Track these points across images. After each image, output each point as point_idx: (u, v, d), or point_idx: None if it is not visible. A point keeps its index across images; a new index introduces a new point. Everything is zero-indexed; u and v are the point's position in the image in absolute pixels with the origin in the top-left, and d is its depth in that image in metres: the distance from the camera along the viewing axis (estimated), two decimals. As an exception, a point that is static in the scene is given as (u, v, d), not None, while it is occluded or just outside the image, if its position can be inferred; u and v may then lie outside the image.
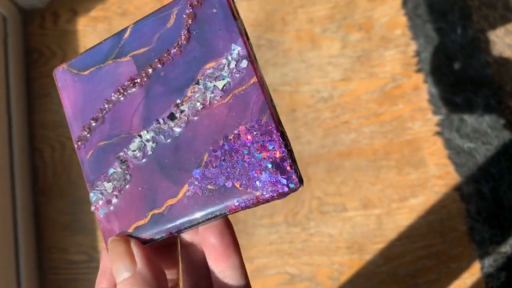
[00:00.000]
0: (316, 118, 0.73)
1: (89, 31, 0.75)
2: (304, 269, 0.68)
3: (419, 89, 0.73)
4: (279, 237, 0.69)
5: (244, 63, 0.22)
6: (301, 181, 0.21)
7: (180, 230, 0.22)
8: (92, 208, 0.24)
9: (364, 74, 0.75)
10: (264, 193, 0.21)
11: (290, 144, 0.21)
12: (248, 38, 0.23)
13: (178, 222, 0.22)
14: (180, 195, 0.22)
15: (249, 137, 0.21)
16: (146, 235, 0.22)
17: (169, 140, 0.23)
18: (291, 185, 0.21)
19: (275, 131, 0.21)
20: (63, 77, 0.25)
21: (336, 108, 0.73)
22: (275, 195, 0.21)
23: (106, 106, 0.24)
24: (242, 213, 0.70)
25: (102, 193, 0.23)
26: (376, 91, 0.74)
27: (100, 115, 0.24)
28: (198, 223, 0.22)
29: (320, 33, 0.77)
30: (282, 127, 0.21)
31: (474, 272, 0.66)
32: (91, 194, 0.24)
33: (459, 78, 0.73)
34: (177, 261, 0.26)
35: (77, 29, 0.76)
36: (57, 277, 0.69)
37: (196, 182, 0.22)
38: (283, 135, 0.21)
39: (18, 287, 0.65)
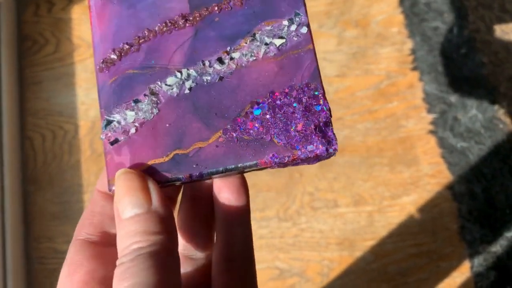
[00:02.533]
0: (310, 113, 0.73)
1: (84, 19, 0.74)
2: (294, 264, 0.67)
3: (414, 87, 0.73)
4: (270, 231, 0.68)
5: (304, 29, 0.22)
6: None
7: (202, 175, 0.21)
8: (102, 136, 0.21)
9: (360, 71, 0.74)
10: (302, 151, 0.21)
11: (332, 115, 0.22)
12: (305, 4, 0.23)
13: (203, 165, 0.21)
14: (212, 139, 0.21)
15: (296, 97, 0.21)
16: (162, 174, 0.21)
17: (211, 84, 0.21)
18: (330, 150, 0.21)
19: (322, 97, 0.21)
20: None
21: (330, 104, 0.73)
22: (312, 156, 0.21)
23: (146, 34, 0.22)
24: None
25: (119, 122, 0.21)
26: (371, 88, 0.73)
27: (136, 42, 0.22)
28: (225, 171, 0.21)
29: (317, 28, 0.76)
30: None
31: (464, 271, 0.66)
32: (104, 121, 0.21)
33: (454, 78, 0.73)
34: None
35: (72, 17, 0.75)
36: (44, 266, 0.68)
37: (232, 130, 0.21)
38: (328, 104, 0.21)
39: (4, 276, 0.65)
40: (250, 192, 0.72)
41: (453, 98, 0.72)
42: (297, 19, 0.22)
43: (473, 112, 0.71)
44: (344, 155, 0.71)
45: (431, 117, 0.72)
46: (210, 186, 0.23)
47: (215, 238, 0.23)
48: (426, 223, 0.68)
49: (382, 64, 0.74)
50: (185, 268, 0.24)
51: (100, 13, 0.22)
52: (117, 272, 0.18)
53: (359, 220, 0.68)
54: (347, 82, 0.74)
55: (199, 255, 0.24)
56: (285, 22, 0.22)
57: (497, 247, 0.66)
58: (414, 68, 0.74)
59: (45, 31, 0.75)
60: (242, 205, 0.22)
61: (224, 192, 0.22)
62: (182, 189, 0.24)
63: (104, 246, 0.21)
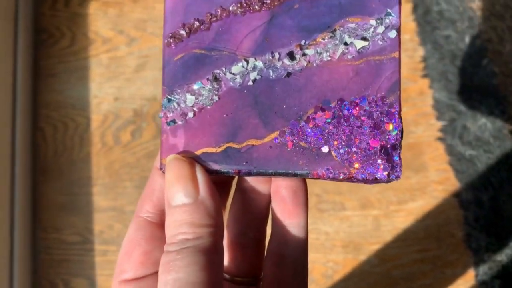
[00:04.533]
0: (319, 116, 0.73)
1: (100, 15, 0.75)
2: (298, 264, 0.67)
3: (424, 94, 0.74)
4: (276, 231, 0.69)
5: (393, 33, 0.20)
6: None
7: (250, 173, 0.20)
8: (161, 114, 0.21)
9: (370, 76, 0.75)
10: (361, 173, 0.19)
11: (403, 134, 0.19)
12: (400, 3, 0.20)
13: (253, 164, 0.20)
14: (267, 139, 0.20)
15: (367, 110, 0.19)
16: (212, 164, 0.20)
17: (276, 79, 0.20)
18: (392, 177, 0.19)
19: (397, 115, 0.19)
20: None
21: (340, 108, 0.74)
22: (370, 178, 0.19)
23: (219, 13, 0.21)
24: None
25: (178, 103, 0.21)
26: (381, 93, 0.74)
27: (208, 20, 0.21)
28: (273, 174, 0.20)
29: (329, 32, 0.77)
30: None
31: (468, 279, 0.65)
32: (165, 100, 0.21)
33: (465, 86, 0.73)
34: (226, 203, 0.25)
35: (88, 12, 0.76)
36: (50, 257, 0.68)
37: (289, 133, 0.20)
38: (402, 124, 0.19)
39: (10, 265, 0.65)
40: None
41: (463, 106, 0.73)
42: (387, 20, 0.20)
43: (483, 121, 0.71)
44: (352, 158, 0.71)
45: (440, 124, 0.72)
46: (266, 180, 0.23)
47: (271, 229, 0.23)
48: (432, 229, 0.68)
49: (393, 70, 0.75)
50: (235, 255, 0.24)
51: None
52: (163, 260, 0.19)
53: (365, 223, 0.68)
54: (357, 86, 0.74)
55: (250, 245, 0.24)
56: (372, 22, 0.20)
57: (503, 256, 0.66)
58: (425, 76, 0.74)
59: (62, 25, 0.76)
60: (299, 205, 0.22)
61: (282, 190, 0.22)
62: (236, 179, 0.24)
63: (162, 227, 0.22)
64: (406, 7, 0.78)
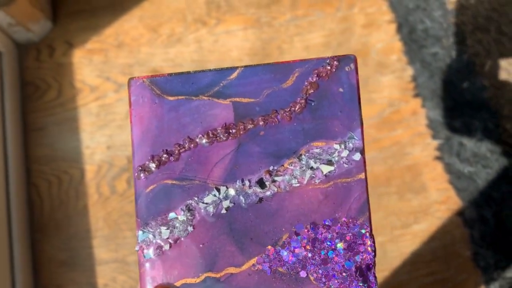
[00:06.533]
0: (315, 145, 0.73)
1: (85, 63, 0.75)
2: (308, 300, 0.66)
3: (417, 114, 0.73)
4: (282, 268, 0.68)
5: (357, 156, 0.21)
6: None
7: None
8: (137, 248, 0.21)
9: (362, 100, 0.74)
10: None
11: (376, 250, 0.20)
12: (362, 124, 0.21)
13: None
14: (245, 267, 0.20)
15: (339, 232, 0.20)
16: None
17: (249, 205, 0.21)
18: None
19: (368, 236, 0.20)
20: (140, 92, 0.22)
21: (335, 135, 0.73)
22: None
23: (187, 144, 0.21)
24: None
25: (154, 236, 0.21)
26: (375, 117, 0.74)
27: (177, 151, 0.21)
28: None
29: (317, 60, 0.77)
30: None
31: (480, 299, 0.65)
32: (140, 233, 0.21)
33: (456, 102, 0.73)
34: None
35: (73, 61, 0.75)
36: (54, 316, 0.67)
37: (267, 260, 0.20)
38: (373, 241, 0.20)
39: (14, 328, 0.64)
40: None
41: (457, 123, 0.72)
42: (350, 144, 0.21)
43: (478, 136, 0.71)
44: (352, 185, 0.71)
45: (436, 143, 0.72)
46: None
47: None
48: (439, 250, 0.67)
49: (384, 92, 0.75)
50: None
51: (141, 113, 0.22)
52: None
53: (371, 251, 0.68)
54: (350, 112, 0.74)
55: None
56: (336, 146, 0.21)
57: (512, 273, 0.65)
58: (416, 95, 0.74)
59: (47, 76, 0.75)
60: None
61: None
62: None
63: None
64: (391, 27, 0.78)
